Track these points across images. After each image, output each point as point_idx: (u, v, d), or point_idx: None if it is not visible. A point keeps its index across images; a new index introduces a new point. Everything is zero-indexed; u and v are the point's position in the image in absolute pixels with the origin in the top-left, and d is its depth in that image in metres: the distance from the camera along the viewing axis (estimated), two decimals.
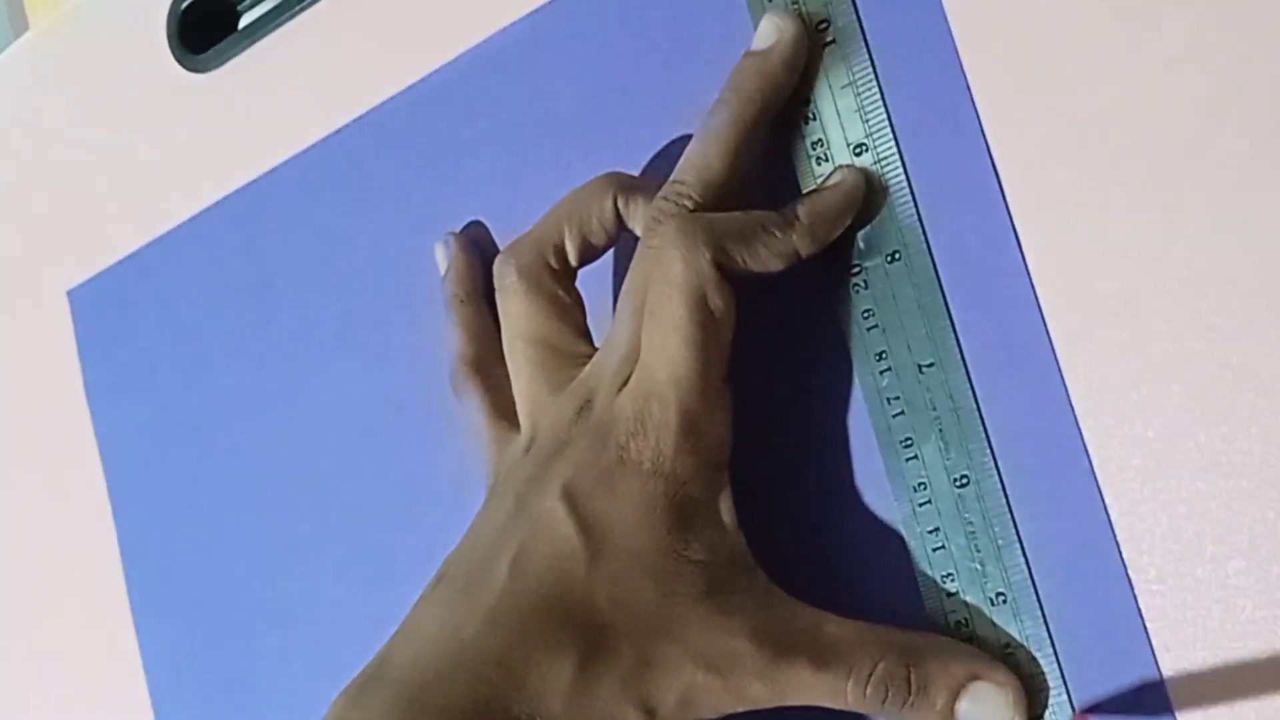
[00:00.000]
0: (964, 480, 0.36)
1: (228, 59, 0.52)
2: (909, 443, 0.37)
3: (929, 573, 0.37)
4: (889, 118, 0.37)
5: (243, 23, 0.51)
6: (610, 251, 0.41)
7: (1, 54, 0.60)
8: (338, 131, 0.49)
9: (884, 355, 0.37)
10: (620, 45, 0.43)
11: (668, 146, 0.41)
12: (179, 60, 0.53)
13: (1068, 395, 0.35)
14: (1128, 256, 0.34)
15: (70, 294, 0.57)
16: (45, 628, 0.58)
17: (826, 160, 0.38)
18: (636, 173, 0.41)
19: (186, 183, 0.53)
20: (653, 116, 0.41)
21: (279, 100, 0.51)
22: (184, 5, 0.52)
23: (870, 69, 0.38)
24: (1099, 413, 0.34)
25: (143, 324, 0.54)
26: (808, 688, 0.34)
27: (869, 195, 0.37)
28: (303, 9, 0.50)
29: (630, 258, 0.38)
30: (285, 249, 0.50)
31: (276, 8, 0.50)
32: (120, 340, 0.55)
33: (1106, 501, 0.34)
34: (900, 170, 0.37)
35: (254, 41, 0.51)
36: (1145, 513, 0.34)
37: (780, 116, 0.39)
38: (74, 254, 0.57)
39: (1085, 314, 0.35)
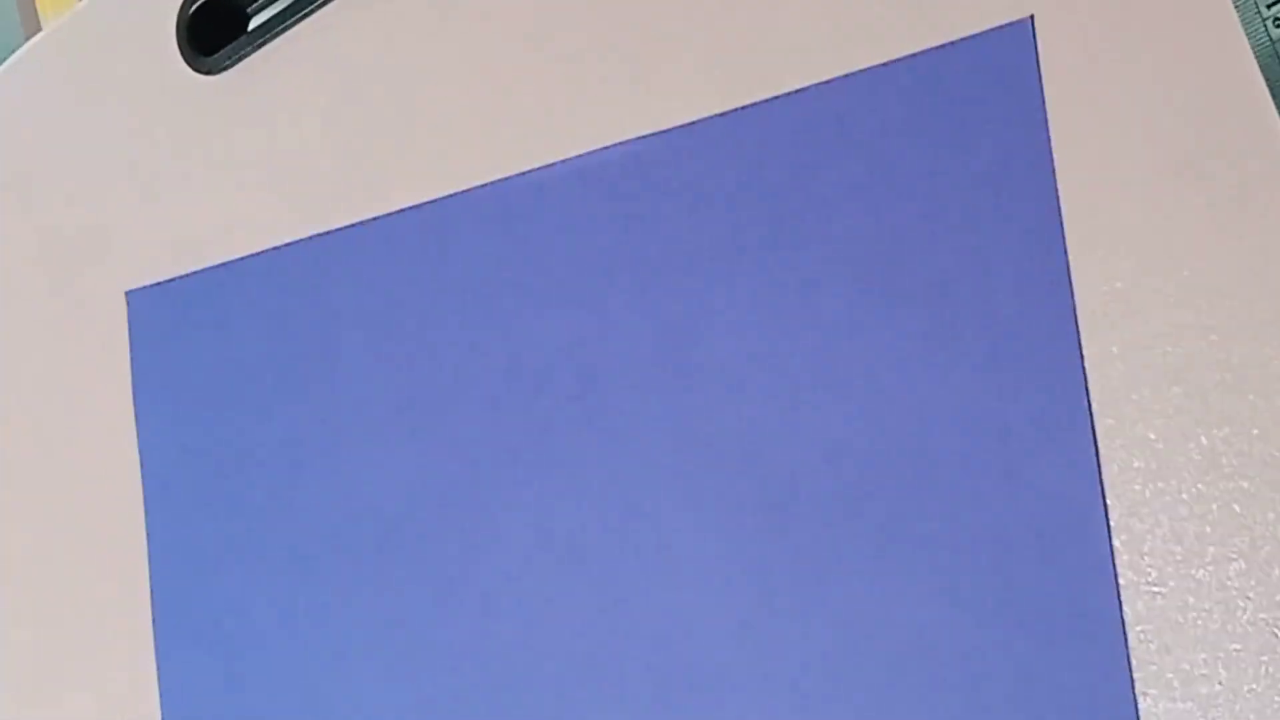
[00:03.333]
0: None
1: (237, 60, 0.52)
2: None
3: None
4: None
5: (253, 24, 0.52)
6: None
7: (14, 54, 0.60)
8: (421, 206, 0.47)
9: None
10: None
11: None
12: (188, 62, 0.53)
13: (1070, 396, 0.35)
14: (1129, 257, 0.34)
15: (129, 295, 0.57)
16: (63, 629, 0.58)
17: None
18: None
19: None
20: None
21: (288, 102, 0.51)
22: (194, 7, 0.52)
23: None
24: (1100, 414, 0.34)
25: (199, 343, 0.53)
26: None
27: None
28: (313, 10, 0.50)
29: None
30: (357, 305, 0.49)
31: (286, 9, 0.50)
32: (174, 353, 0.54)
33: (1108, 503, 0.34)
34: None
35: (264, 43, 0.51)
36: (1146, 514, 0.34)
37: None
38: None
39: (1086, 314, 0.35)
